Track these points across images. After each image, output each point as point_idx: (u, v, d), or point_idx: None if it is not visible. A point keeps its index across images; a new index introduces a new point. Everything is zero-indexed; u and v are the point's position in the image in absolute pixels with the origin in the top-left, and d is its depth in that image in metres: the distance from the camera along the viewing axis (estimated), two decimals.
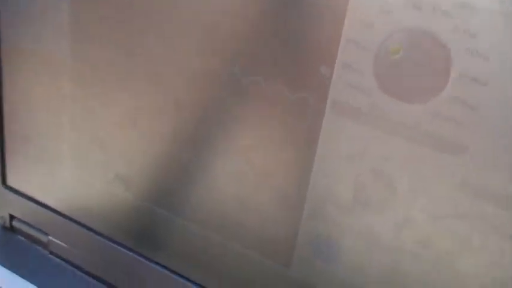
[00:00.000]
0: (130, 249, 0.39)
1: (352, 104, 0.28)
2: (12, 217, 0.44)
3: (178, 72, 0.33)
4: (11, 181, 0.43)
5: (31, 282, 0.41)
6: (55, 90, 0.38)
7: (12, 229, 0.45)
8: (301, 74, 0.29)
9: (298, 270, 0.33)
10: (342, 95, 0.28)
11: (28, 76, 0.39)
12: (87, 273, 0.42)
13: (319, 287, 0.32)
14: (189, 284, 0.37)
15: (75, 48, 0.36)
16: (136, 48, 0.33)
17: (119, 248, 0.39)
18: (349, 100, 0.28)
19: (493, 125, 0.25)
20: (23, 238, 0.45)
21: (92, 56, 0.36)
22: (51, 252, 0.43)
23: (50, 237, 0.43)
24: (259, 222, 0.33)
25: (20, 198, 0.43)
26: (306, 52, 0.28)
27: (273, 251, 0.33)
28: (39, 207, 0.42)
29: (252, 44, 0.30)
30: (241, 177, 0.33)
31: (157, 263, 0.38)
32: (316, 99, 0.29)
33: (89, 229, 0.40)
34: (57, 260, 0.43)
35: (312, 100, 0.29)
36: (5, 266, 0.42)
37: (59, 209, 0.42)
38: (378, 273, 0.31)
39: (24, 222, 0.44)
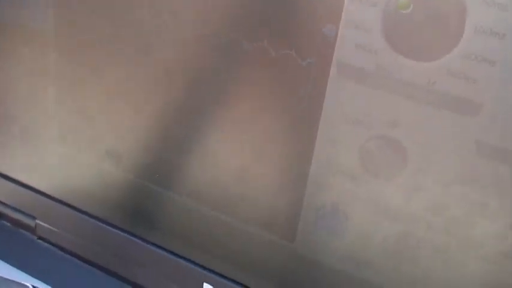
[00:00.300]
0: (123, 230, 0.37)
1: (359, 65, 0.26)
2: None
3: (172, 40, 0.31)
4: None
5: (20, 269, 0.39)
6: (38, 64, 0.36)
7: None
8: (304, 34, 0.27)
9: (303, 244, 0.31)
10: (347, 55, 0.27)
11: (8, 50, 0.36)
12: (79, 257, 0.40)
13: (326, 261, 0.31)
14: (187, 264, 0.35)
15: (58, 18, 0.34)
16: (125, 14, 0.31)
17: (111, 229, 0.37)
18: (356, 61, 0.26)
19: (510, 80, 0.24)
20: (8, 224, 0.43)
21: (76, 25, 0.33)
22: (39, 237, 0.41)
23: (38, 221, 0.41)
24: (261, 195, 0.32)
25: (4, 180, 0.41)
26: (308, 11, 0.27)
27: (276, 225, 0.32)
28: (24, 190, 0.40)
29: (251, 5, 0.28)
30: (241, 147, 0.31)
31: (152, 244, 0.36)
32: (321, 61, 0.27)
33: (79, 211, 0.38)
34: (46, 245, 0.41)
35: (316, 62, 0.27)
36: None
37: (46, 191, 0.39)
38: (386, 244, 0.29)
39: (9, 206, 0.42)
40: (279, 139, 0.30)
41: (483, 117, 0.25)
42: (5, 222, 0.43)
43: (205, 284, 0.35)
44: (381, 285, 0.30)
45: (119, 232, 0.37)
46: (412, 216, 0.28)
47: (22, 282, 0.36)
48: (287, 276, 0.32)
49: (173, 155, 0.33)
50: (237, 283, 0.34)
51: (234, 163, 0.32)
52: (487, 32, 0.23)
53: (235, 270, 0.34)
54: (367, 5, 0.25)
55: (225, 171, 0.32)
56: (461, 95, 0.25)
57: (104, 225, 0.38)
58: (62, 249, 0.40)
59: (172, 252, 0.36)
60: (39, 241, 0.41)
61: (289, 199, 0.31)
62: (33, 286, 0.36)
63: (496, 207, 0.26)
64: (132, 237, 0.37)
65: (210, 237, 0.34)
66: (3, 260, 0.40)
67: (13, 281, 0.36)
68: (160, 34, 0.31)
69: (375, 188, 0.28)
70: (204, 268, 0.35)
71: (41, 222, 0.40)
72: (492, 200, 0.26)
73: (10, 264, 0.39)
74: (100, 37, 0.33)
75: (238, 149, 0.31)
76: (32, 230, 0.41)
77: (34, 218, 0.41)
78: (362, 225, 0.29)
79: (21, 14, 0.35)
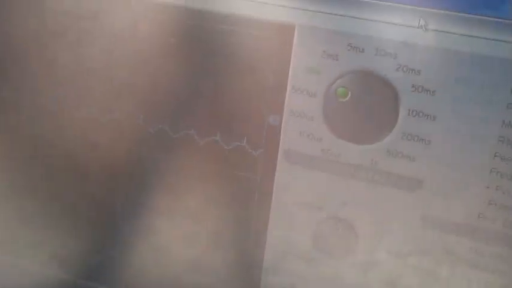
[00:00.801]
0: None
1: (304, 151, 0.28)
2: None
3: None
4: None
5: None
6: None
7: None
8: (250, 125, 0.28)
9: None
10: (293, 142, 0.28)
11: None
12: None
13: None
14: None
15: None
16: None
17: None
18: (301, 147, 0.28)
19: (445, 157, 0.26)
20: None
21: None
22: None
23: None
24: (216, 284, 0.31)
25: None
26: (254, 104, 0.28)
27: None
28: None
29: (202, 103, 0.29)
30: (193, 239, 0.31)
31: None
32: (268, 150, 0.28)
33: None
34: None
35: (264, 151, 0.28)
36: None
37: None
38: None
39: None
40: (232, 227, 0.30)
41: (425, 192, 0.26)
42: None
43: None
44: None
45: None
46: None
47: None
48: None
49: (122, 253, 0.33)
50: None
51: (187, 255, 0.31)
52: (419, 114, 0.26)
53: None
54: (308, 95, 0.27)
55: (177, 262, 0.32)
56: (402, 173, 0.27)
57: None
58: None
59: None
60: None
61: (245, 285, 0.31)
62: None
63: (447, 275, 0.27)
64: None
65: None
66: None
67: None
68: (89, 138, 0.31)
69: (330, 267, 0.29)
70: None
71: None
72: (442, 267, 0.27)
73: None
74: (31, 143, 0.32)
75: (191, 239, 0.31)
76: None
77: None
78: None
79: None
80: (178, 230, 0.31)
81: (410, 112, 0.26)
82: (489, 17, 0.23)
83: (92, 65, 0.30)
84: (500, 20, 0.23)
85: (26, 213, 0.34)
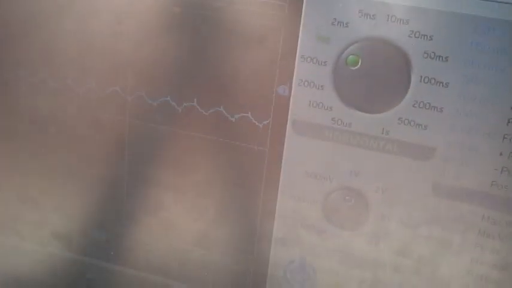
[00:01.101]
0: None
1: (314, 121, 0.27)
2: None
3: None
4: None
5: None
6: None
7: None
8: (258, 96, 0.28)
9: None
10: (302, 113, 0.27)
11: None
12: None
13: None
14: None
15: None
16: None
17: None
18: (311, 117, 0.27)
19: (458, 125, 0.25)
20: None
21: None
22: None
23: None
24: (225, 257, 0.31)
25: None
26: (262, 74, 0.27)
27: (243, 287, 0.31)
28: None
29: (206, 73, 0.28)
30: (201, 212, 0.31)
31: None
32: (276, 121, 0.28)
33: None
34: None
35: (272, 122, 0.28)
36: None
37: None
38: None
39: None
40: (241, 199, 0.30)
41: (437, 160, 0.26)
42: None
43: None
44: None
45: None
46: (380, 262, 0.29)
47: None
48: None
49: (127, 230, 0.32)
50: None
51: (195, 227, 0.31)
52: (431, 81, 0.25)
53: None
54: (317, 64, 0.26)
55: (186, 235, 0.32)
56: (414, 141, 0.26)
57: None
58: None
59: None
60: None
61: (255, 259, 0.31)
62: None
63: (459, 243, 0.27)
64: None
65: None
66: None
67: None
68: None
69: (341, 239, 0.29)
70: None
71: None
72: (454, 236, 0.27)
73: None
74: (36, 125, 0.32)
75: (200, 212, 0.31)
76: None
77: None
78: (331, 277, 0.30)
79: None
80: (186, 203, 0.31)
81: (422, 79, 0.25)
82: None
83: (93, 39, 0.29)
84: None
85: (27, 192, 0.34)
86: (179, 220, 0.31)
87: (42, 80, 0.31)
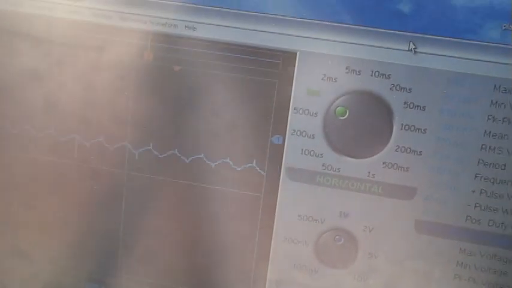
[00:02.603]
0: None
1: (306, 168, 0.30)
2: None
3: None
4: None
5: None
6: None
7: None
8: (253, 145, 0.30)
9: None
10: (295, 160, 0.30)
11: None
12: None
13: None
14: None
15: None
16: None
17: None
18: (303, 164, 0.30)
19: (435, 165, 0.29)
20: None
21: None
22: None
23: None
24: None
25: None
26: (257, 124, 0.30)
27: None
28: None
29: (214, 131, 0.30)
30: (199, 253, 0.32)
31: None
32: (271, 168, 0.30)
33: None
34: None
35: (268, 169, 0.30)
36: None
37: None
38: None
39: None
40: (236, 242, 0.31)
41: (418, 199, 0.29)
42: None
43: None
44: None
45: None
46: None
47: None
48: None
49: (122, 281, 0.33)
50: None
51: (192, 273, 0.32)
52: (411, 128, 0.28)
53: None
54: (309, 115, 0.29)
55: (183, 283, 0.33)
56: (397, 183, 0.29)
57: None
58: None
59: None
60: None
61: None
62: None
63: (440, 275, 0.30)
64: None
65: None
66: None
67: None
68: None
69: (332, 277, 0.31)
70: None
71: None
72: (435, 268, 0.30)
73: None
74: (31, 177, 0.33)
75: (197, 257, 0.32)
76: None
77: None
78: None
79: None
80: (182, 248, 0.32)
81: (403, 126, 0.29)
82: (469, 40, 0.27)
83: (80, 92, 0.31)
84: (478, 42, 0.27)
85: (19, 245, 0.34)
86: (175, 266, 0.32)
87: (48, 134, 0.32)
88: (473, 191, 0.29)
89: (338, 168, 0.30)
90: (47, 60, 0.31)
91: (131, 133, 0.31)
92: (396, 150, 0.29)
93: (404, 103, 0.28)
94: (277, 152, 0.30)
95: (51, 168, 0.32)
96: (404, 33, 0.27)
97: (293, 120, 0.29)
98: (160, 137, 0.31)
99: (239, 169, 0.30)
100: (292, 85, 0.29)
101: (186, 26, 0.29)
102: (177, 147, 0.31)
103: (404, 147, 0.29)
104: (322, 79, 0.29)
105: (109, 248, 0.33)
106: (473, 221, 0.29)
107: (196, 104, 0.30)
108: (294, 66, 0.29)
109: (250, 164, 0.30)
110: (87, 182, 0.32)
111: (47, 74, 0.31)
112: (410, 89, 0.28)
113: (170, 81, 0.30)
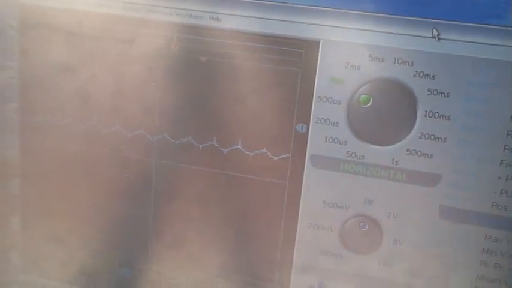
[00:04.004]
0: None
1: (330, 155, 0.30)
2: None
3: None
4: None
5: None
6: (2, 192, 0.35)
7: None
8: (278, 134, 0.31)
9: None
10: (319, 148, 0.30)
11: None
12: None
13: None
14: None
15: (24, 145, 0.34)
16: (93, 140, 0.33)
17: None
18: (327, 151, 0.30)
19: (460, 152, 0.29)
20: None
21: (42, 152, 0.34)
22: None
23: None
24: (248, 284, 0.33)
25: None
26: (282, 113, 0.30)
27: None
28: None
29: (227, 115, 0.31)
30: (225, 245, 0.33)
31: None
32: (295, 156, 0.31)
33: None
34: None
35: (292, 156, 0.31)
36: None
37: None
38: None
39: None
40: (262, 230, 0.32)
41: (442, 186, 0.29)
42: None
43: None
44: None
45: None
46: (394, 283, 0.31)
47: None
48: None
49: (152, 266, 0.34)
50: None
51: (218, 260, 0.33)
52: (435, 115, 0.28)
53: None
54: (332, 104, 0.30)
55: (209, 269, 0.34)
56: (421, 170, 0.29)
57: None
58: None
59: None
60: None
61: (275, 286, 0.33)
62: None
63: (465, 261, 0.30)
64: None
65: None
66: None
67: None
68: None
69: (356, 263, 0.31)
70: None
71: None
72: (460, 255, 0.30)
73: None
74: (67, 166, 0.34)
75: (223, 244, 0.33)
76: None
77: None
78: None
79: None
80: (209, 236, 0.33)
81: (427, 114, 0.29)
82: (493, 25, 0.27)
83: (119, 85, 0.32)
84: (502, 27, 0.27)
85: (55, 232, 0.35)
86: (202, 253, 0.33)
87: (90, 126, 0.33)
88: (499, 177, 0.29)
89: (362, 156, 0.30)
90: (82, 53, 0.32)
91: (168, 124, 0.32)
92: (420, 137, 0.29)
93: (428, 90, 0.28)
94: (302, 140, 0.30)
95: (94, 159, 0.33)
96: (428, 19, 0.27)
97: (317, 108, 0.30)
98: (199, 128, 0.32)
99: (252, 155, 0.31)
100: (315, 74, 0.29)
101: (210, 17, 0.30)
102: (191, 134, 0.32)
103: (428, 134, 0.29)
104: (346, 67, 0.29)
105: (140, 235, 0.34)
106: (499, 207, 0.29)
107: (224, 94, 0.31)
108: (317, 55, 0.29)
109: (268, 150, 0.31)
110: (127, 172, 0.33)
111: (90, 68, 0.32)
112: (434, 76, 0.28)
113: (198, 71, 0.31)
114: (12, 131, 0.34)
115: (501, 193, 0.29)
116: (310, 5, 0.28)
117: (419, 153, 0.29)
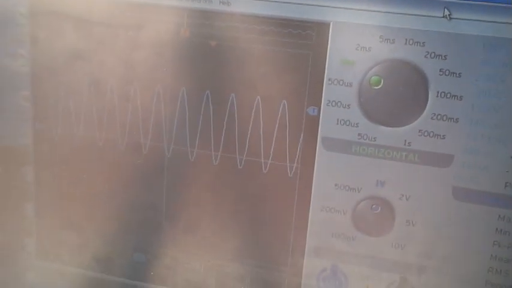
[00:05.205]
0: None
1: (342, 137, 0.30)
2: None
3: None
4: None
5: None
6: (15, 180, 0.36)
7: None
8: (290, 117, 0.31)
9: None
10: (331, 131, 0.30)
11: None
12: None
13: None
14: None
15: (38, 133, 0.35)
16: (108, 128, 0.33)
17: None
18: (339, 134, 0.30)
19: (473, 132, 0.29)
20: None
21: (56, 140, 0.34)
22: None
23: None
24: (261, 271, 0.33)
25: None
26: (293, 96, 0.30)
27: None
28: None
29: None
30: (237, 229, 0.33)
31: None
32: (306, 138, 0.31)
33: None
34: None
35: (303, 139, 0.31)
36: None
37: None
38: None
39: None
40: (275, 213, 0.32)
41: (455, 167, 0.29)
42: None
43: None
44: None
45: None
46: (407, 264, 0.31)
47: None
48: None
49: (167, 251, 0.35)
50: None
51: (231, 244, 0.33)
52: (447, 95, 0.28)
53: None
54: (344, 86, 0.29)
55: (222, 253, 0.34)
56: (434, 150, 0.29)
57: None
58: None
59: None
60: None
61: (288, 269, 0.33)
62: None
63: (478, 242, 0.30)
64: None
65: None
66: None
67: None
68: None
69: (369, 245, 0.31)
70: None
71: None
72: (474, 235, 0.30)
73: None
74: (80, 152, 0.34)
75: (236, 228, 0.33)
76: None
77: None
78: (362, 282, 0.32)
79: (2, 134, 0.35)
80: (222, 220, 0.33)
81: (439, 94, 0.28)
82: (504, 3, 0.27)
83: (130, 70, 0.32)
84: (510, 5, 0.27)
85: (70, 218, 0.36)
86: (215, 237, 0.34)
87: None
88: None
89: (374, 138, 0.30)
90: (92, 40, 0.32)
91: None
92: (432, 118, 0.29)
93: (440, 70, 0.28)
94: (313, 123, 0.30)
95: (106, 145, 0.34)
96: None
97: (328, 91, 0.30)
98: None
99: (277, 141, 0.31)
100: (326, 56, 0.29)
101: (220, 2, 0.30)
102: None
103: (440, 114, 0.29)
104: (356, 49, 0.29)
105: (154, 221, 0.34)
106: None
107: (235, 78, 0.31)
108: (328, 37, 0.29)
109: (284, 136, 0.31)
110: (140, 158, 0.33)
111: (100, 55, 0.32)
112: (445, 56, 0.28)
113: (213, 53, 0.31)
114: (24, 119, 0.35)
115: None
116: None
117: (431, 134, 0.29)
